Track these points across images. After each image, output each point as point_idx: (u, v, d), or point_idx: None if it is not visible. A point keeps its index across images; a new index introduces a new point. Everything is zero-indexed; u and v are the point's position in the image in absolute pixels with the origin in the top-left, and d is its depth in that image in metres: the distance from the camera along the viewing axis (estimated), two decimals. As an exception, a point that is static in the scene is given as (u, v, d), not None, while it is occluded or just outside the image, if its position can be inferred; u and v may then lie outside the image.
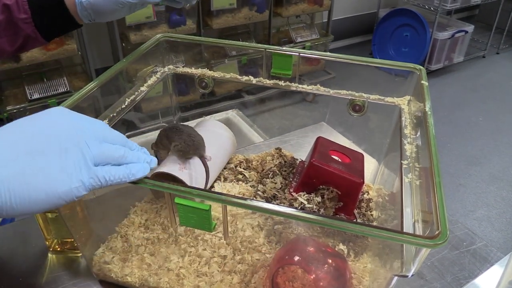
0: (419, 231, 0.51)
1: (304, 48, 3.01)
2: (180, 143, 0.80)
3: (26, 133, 0.44)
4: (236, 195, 0.85)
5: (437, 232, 0.45)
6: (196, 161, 0.83)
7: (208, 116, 1.10)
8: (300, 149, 1.09)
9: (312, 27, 3.13)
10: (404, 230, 0.52)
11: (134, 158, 0.53)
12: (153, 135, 1.19)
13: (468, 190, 2.39)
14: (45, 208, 0.44)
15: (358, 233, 0.48)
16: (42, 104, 2.27)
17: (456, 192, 2.37)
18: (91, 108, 0.81)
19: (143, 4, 0.73)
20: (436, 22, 3.25)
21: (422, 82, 0.76)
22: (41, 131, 0.45)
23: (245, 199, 0.51)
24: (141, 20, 2.37)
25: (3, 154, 0.41)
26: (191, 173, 0.81)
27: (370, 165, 0.94)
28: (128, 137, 1.19)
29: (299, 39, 3.02)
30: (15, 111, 2.25)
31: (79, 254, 0.81)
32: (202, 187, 0.81)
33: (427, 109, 0.69)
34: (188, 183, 0.79)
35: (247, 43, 0.92)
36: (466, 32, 3.48)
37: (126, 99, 0.81)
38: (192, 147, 0.81)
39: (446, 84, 3.48)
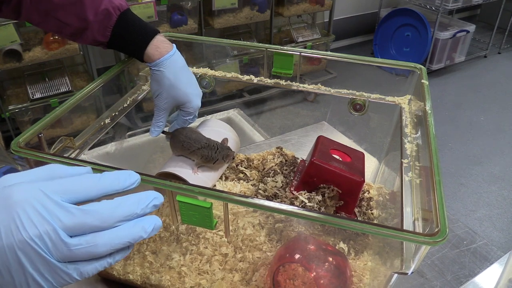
0: (419, 229, 0.51)
1: (305, 47, 3.01)
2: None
3: None
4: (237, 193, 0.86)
5: (436, 230, 0.46)
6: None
7: (210, 116, 1.11)
8: (301, 148, 1.10)
9: (313, 27, 3.13)
10: (404, 228, 0.52)
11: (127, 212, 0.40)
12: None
13: (469, 189, 2.39)
14: None
15: (359, 230, 0.49)
16: (44, 104, 2.28)
17: (457, 192, 2.37)
18: (92, 107, 0.82)
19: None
20: (438, 21, 3.25)
21: (423, 81, 0.76)
22: None
23: (246, 197, 0.52)
24: (143, 20, 2.37)
25: None
26: (198, 174, 0.81)
27: (370, 164, 0.94)
28: (130, 136, 1.19)
29: (300, 39, 3.02)
30: (17, 110, 2.25)
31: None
32: (206, 186, 0.81)
33: (427, 108, 0.69)
34: (191, 182, 0.79)
35: (248, 42, 0.93)
36: (468, 31, 3.48)
37: (128, 98, 0.82)
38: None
39: (447, 83, 3.48)
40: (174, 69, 0.76)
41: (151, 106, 1.13)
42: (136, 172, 0.44)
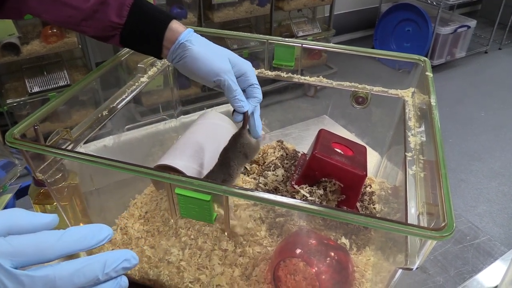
0: (423, 224, 0.50)
1: (305, 42, 2.98)
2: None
3: None
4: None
5: (443, 224, 0.44)
6: (204, 156, 0.82)
7: (210, 109, 1.09)
8: (302, 142, 1.08)
9: (313, 21, 3.11)
10: (409, 222, 0.51)
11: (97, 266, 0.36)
12: (154, 128, 1.18)
13: (470, 185, 2.38)
14: None
15: (363, 224, 0.47)
16: (42, 98, 2.26)
17: (458, 188, 2.36)
18: (91, 101, 0.80)
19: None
20: (439, 17, 3.23)
21: (427, 73, 0.75)
22: None
23: (247, 189, 0.51)
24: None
25: None
26: (196, 167, 0.80)
27: (372, 158, 0.93)
28: (128, 129, 1.18)
29: (300, 33, 3.00)
30: (15, 104, 2.24)
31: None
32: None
33: (432, 100, 0.68)
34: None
35: (249, 34, 0.91)
36: (469, 27, 3.46)
37: (126, 90, 0.80)
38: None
39: (448, 79, 3.46)
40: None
41: (150, 101, 1.12)
42: (108, 226, 0.38)
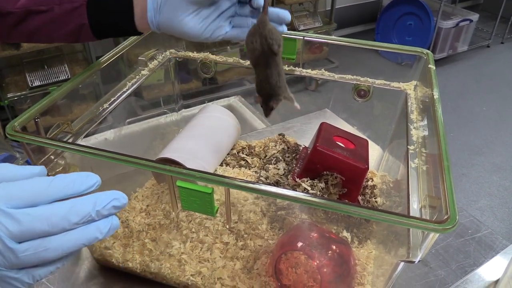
0: (426, 217, 0.50)
1: (307, 36, 2.97)
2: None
3: None
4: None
5: (446, 217, 0.44)
6: (205, 149, 0.82)
7: (210, 103, 1.09)
8: (303, 135, 1.08)
9: (315, 15, 3.10)
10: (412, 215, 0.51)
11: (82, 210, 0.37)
12: (155, 121, 1.18)
13: (471, 179, 2.38)
14: None
15: (366, 217, 0.47)
16: (43, 92, 2.26)
17: (459, 182, 2.36)
18: (92, 95, 0.80)
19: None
20: (441, 10, 3.22)
21: (430, 66, 0.74)
22: None
23: (248, 182, 0.50)
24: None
25: None
26: (197, 160, 0.80)
27: (374, 152, 0.93)
28: (129, 123, 1.17)
29: (302, 27, 2.99)
30: (15, 98, 2.23)
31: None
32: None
33: (435, 93, 0.67)
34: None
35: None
36: (471, 21, 3.44)
37: (127, 83, 0.80)
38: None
39: (449, 73, 3.45)
40: None
41: (151, 95, 1.11)
42: (96, 174, 0.39)
